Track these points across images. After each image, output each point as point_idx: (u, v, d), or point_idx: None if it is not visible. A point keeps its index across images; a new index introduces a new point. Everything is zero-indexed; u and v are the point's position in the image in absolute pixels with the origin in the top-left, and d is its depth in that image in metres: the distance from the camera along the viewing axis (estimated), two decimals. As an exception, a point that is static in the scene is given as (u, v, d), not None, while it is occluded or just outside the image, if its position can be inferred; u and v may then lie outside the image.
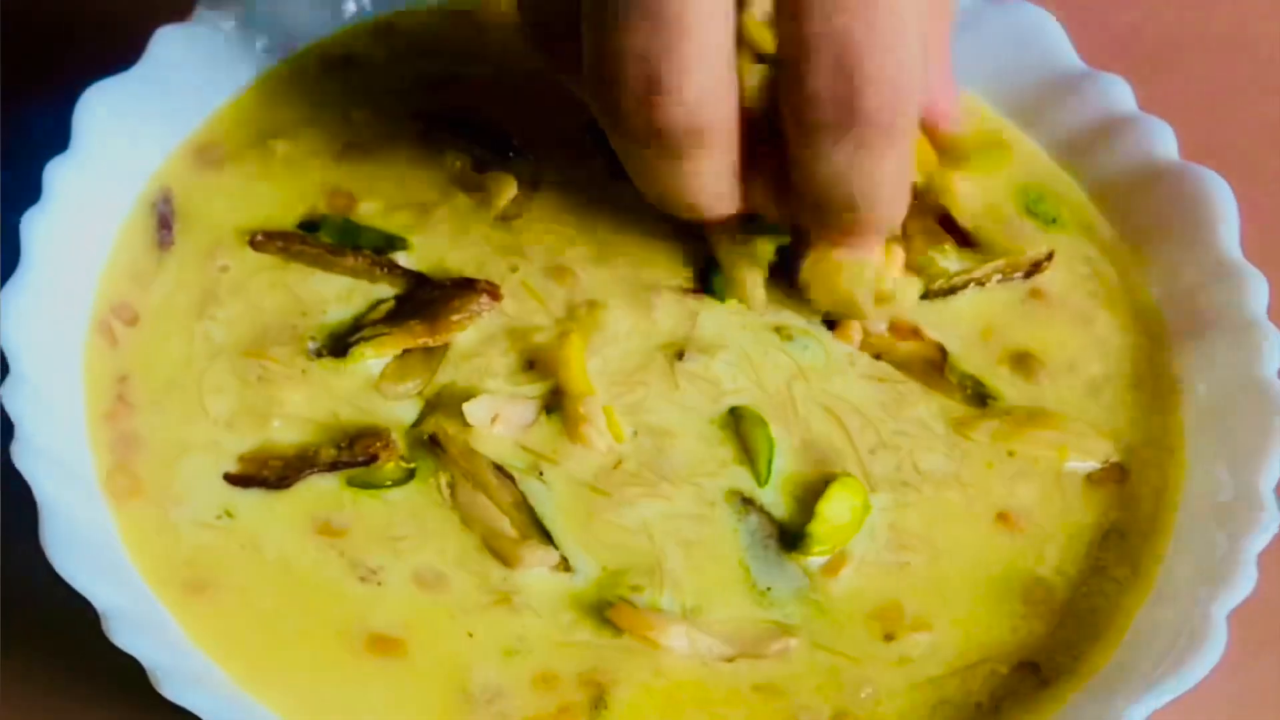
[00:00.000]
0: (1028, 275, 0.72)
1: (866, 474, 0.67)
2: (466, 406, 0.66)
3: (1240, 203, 0.71)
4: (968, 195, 0.72)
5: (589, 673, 0.63)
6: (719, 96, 0.61)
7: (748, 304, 0.70)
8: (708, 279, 0.71)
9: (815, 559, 0.65)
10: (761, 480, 0.67)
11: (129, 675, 0.59)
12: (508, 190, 0.73)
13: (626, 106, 0.61)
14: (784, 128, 0.62)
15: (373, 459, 0.66)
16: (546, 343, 0.69)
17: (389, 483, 0.66)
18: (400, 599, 0.64)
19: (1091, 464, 0.68)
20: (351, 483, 0.66)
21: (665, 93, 0.60)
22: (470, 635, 0.63)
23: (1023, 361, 0.70)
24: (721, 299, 0.71)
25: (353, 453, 0.66)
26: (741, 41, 0.62)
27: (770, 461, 0.67)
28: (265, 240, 0.71)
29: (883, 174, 0.62)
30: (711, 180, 0.64)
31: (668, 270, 0.72)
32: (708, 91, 0.60)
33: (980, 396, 0.69)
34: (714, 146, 0.62)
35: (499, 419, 0.67)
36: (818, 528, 0.65)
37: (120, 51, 0.71)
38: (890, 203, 0.64)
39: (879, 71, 0.59)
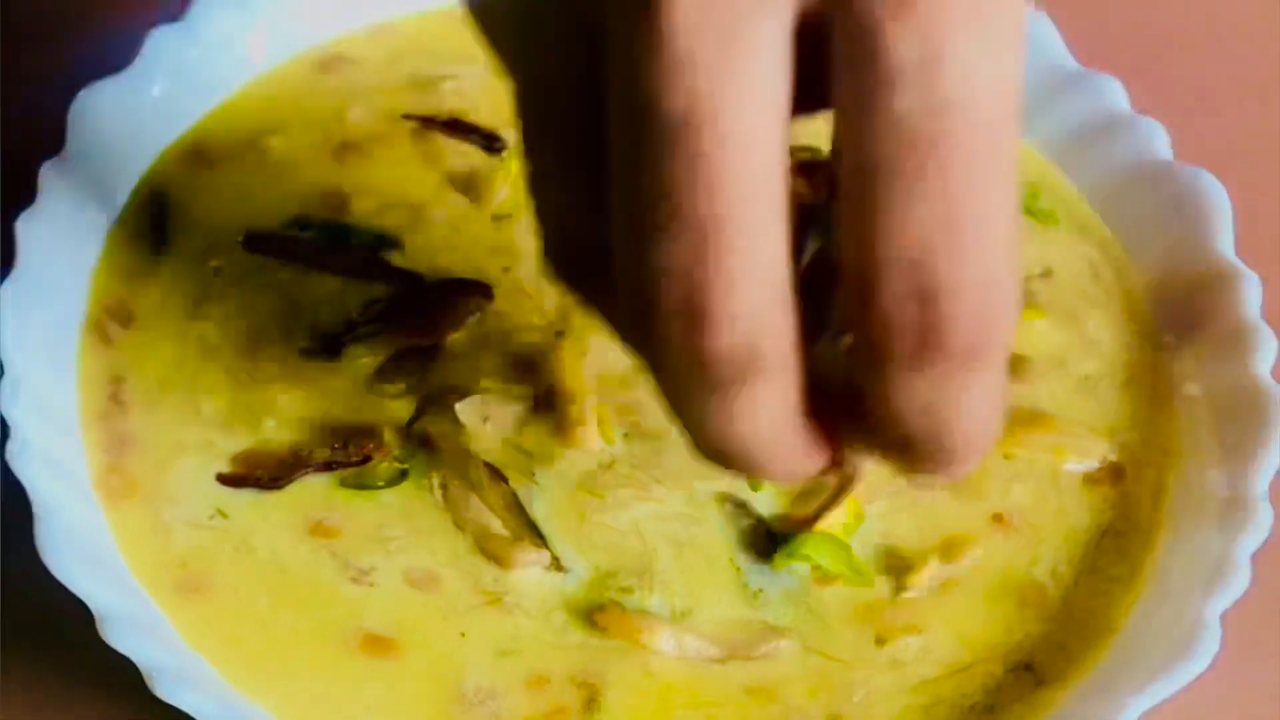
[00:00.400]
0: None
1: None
2: (458, 406, 0.66)
3: (1234, 203, 0.71)
4: None
5: (580, 674, 0.63)
6: (773, 317, 0.49)
7: None
8: None
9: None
10: (754, 485, 0.66)
11: (126, 675, 0.59)
12: (501, 190, 0.73)
13: (666, 334, 0.49)
14: (853, 356, 0.51)
15: (366, 459, 0.66)
16: (540, 342, 0.69)
17: (381, 483, 0.66)
18: (392, 599, 0.64)
19: (1089, 464, 0.68)
20: (344, 483, 0.66)
21: (710, 313, 0.49)
22: (463, 635, 0.63)
23: (1013, 364, 0.70)
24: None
25: (346, 453, 0.66)
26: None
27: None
28: (258, 241, 0.71)
29: (972, 406, 0.50)
30: (771, 422, 0.52)
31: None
32: (760, 312, 0.49)
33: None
34: (770, 377, 0.50)
35: (490, 419, 0.67)
36: (809, 545, 0.65)
37: (115, 52, 0.71)
38: (981, 436, 0.52)
39: (966, 291, 0.48)
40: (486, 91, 0.76)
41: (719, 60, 0.47)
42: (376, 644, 0.63)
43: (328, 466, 0.66)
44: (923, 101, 0.47)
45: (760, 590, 0.65)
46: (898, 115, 0.47)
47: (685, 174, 0.47)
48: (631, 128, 0.48)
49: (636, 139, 0.48)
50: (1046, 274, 0.72)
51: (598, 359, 0.69)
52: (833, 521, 0.65)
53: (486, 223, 0.72)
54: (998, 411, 0.52)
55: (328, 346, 0.68)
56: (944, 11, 0.46)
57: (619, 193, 0.49)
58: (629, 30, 0.47)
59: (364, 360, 0.68)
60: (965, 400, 0.50)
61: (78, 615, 0.59)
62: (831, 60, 0.48)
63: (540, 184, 0.54)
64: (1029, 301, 0.72)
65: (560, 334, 0.69)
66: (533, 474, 0.66)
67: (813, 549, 0.65)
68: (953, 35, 0.46)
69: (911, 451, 0.52)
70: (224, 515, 0.65)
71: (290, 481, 0.65)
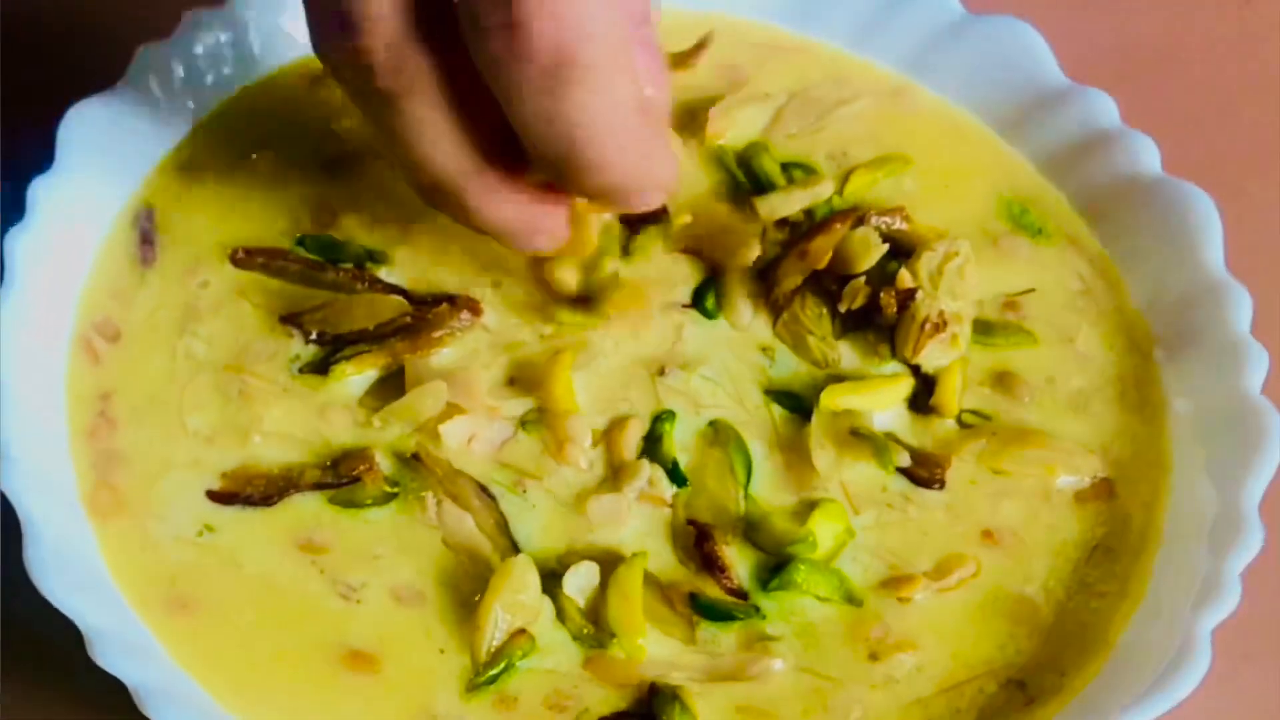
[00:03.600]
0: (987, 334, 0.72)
1: (848, 495, 0.67)
2: (443, 428, 0.66)
3: (1224, 217, 0.71)
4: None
5: (553, 696, 0.62)
6: (407, 33, 0.57)
7: (735, 323, 0.71)
8: (701, 295, 0.71)
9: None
10: (741, 495, 0.66)
11: (118, 692, 0.59)
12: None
13: (325, 52, 0.59)
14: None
15: (356, 480, 0.66)
16: (529, 358, 0.69)
17: (370, 501, 0.65)
18: (378, 615, 0.64)
19: (1080, 480, 0.68)
20: (333, 501, 0.65)
21: (353, 33, 0.58)
22: (442, 652, 0.63)
23: (1003, 380, 0.70)
24: (712, 317, 0.71)
25: (337, 474, 0.66)
26: None
27: (748, 478, 0.67)
28: (246, 257, 0.70)
29: (591, 117, 0.57)
30: (429, 132, 0.60)
31: (655, 284, 0.71)
32: (391, 26, 0.57)
33: (966, 418, 0.69)
34: (414, 91, 0.58)
35: (475, 438, 0.67)
36: (801, 575, 0.65)
37: (105, 69, 0.71)
38: (616, 155, 0.58)
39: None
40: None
41: None
42: (358, 659, 0.63)
43: (318, 487, 0.65)
44: None
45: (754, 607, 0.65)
46: None
47: None
48: None
49: None
50: (1031, 291, 0.72)
51: (589, 373, 0.69)
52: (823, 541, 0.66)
53: (476, 237, 0.72)
54: (636, 139, 0.58)
55: (316, 363, 0.68)
56: None
57: None
58: None
59: (353, 377, 0.68)
60: (579, 107, 0.56)
61: (70, 633, 0.59)
62: None
63: None
64: (1015, 322, 0.72)
65: (556, 352, 0.68)
66: (523, 490, 0.66)
67: (805, 578, 0.64)
68: None
69: (554, 167, 0.58)
70: (211, 529, 0.65)
71: (281, 500, 0.65)
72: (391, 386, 0.67)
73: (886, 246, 0.70)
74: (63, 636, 0.59)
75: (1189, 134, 0.78)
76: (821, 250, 0.70)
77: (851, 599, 0.65)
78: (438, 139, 0.60)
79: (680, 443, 0.68)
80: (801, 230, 0.72)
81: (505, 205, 0.62)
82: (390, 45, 0.57)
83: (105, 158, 0.70)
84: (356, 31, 0.57)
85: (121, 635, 0.61)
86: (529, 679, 0.63)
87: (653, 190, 0.61)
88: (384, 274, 0.70)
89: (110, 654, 0.59)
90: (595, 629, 0.63)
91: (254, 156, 0.73)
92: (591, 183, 0.59)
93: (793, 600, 0.65)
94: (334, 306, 0.69)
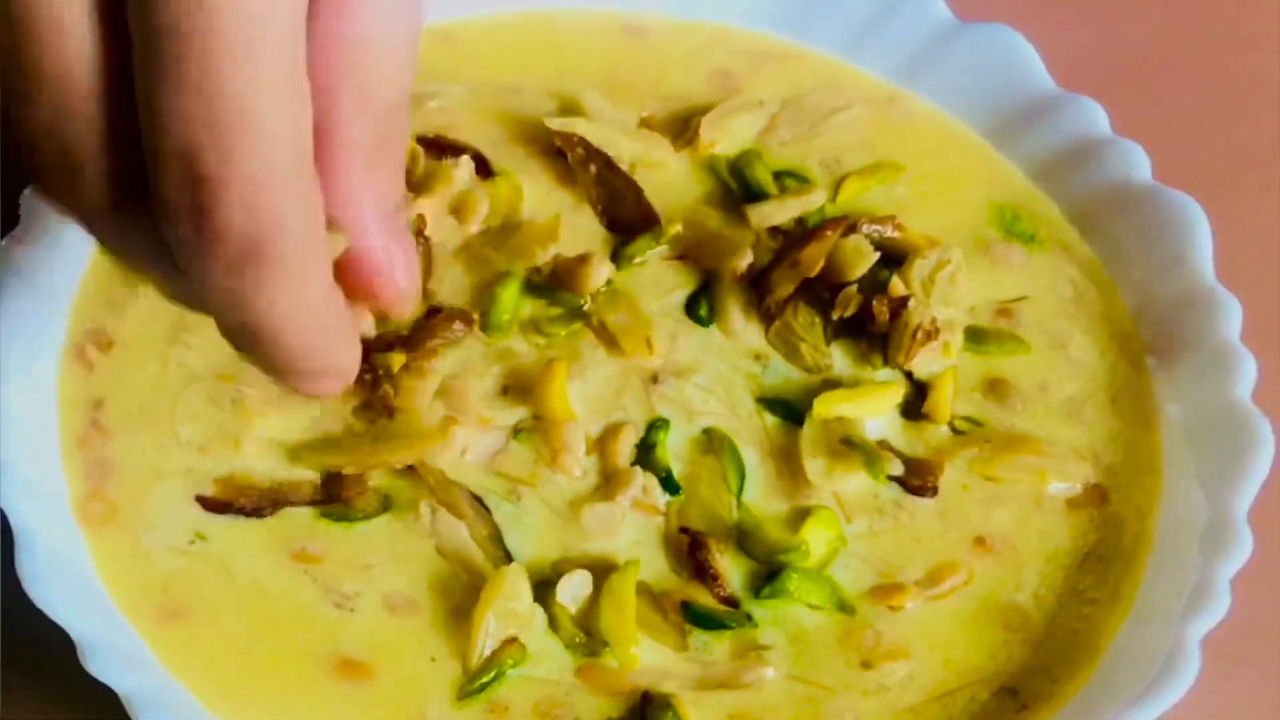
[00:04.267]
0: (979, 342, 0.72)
1: (841, 502, 0.67)
2: (436, 438, 0.66)
3: (1214, 226, 0.71)
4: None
5: (545, 703, 0.63)
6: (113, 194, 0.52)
7: (727, 331, 0.71)
8: (694, 303, 0.71)
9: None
10: (734, 503, 0.67)
11: (112, 701, 0.59)
12: (483, 212, 0.73)
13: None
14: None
15: (348, 501, 0.65)
16: (523, 367, 0.69)
17: (362, 516, 0.66)
18: (371, 624, 0.64)
19: (1072, 487, 0.68)
20: (326, 515, 0.65)
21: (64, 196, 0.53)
22: (434, 660, 0.63)
23: (995, 387, 0.70)
24: (705, 324, 0.71)
25: (329, 492, 0.66)
26: None
27: (741, 486, 0.67)
28: (239, 265, 0.70)
29: (277, 308, 0.51)
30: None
31: (647, 292, 0.72)
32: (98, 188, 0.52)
33: (958, 425, 0.69)
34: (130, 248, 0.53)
35: (468, 449, 0.67)
36: (793, 583, 0.65)
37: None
38: (296, 343, 0.53)
39: (233, 185, 0.48)
40: (470, 110, 0.76)
41: None
42: (351, 668, 0.63)
43: (311, 503, 0.65)
44: None
45: (746, 615, 0.65)
46: (162, 4, 0.47)
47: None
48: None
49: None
50: (1023, 298, 0.73)
51: (584, 381, 0.69)
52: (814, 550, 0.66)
53: (469, 245, 0.72)
54: (324, 335, 0.52)
55: (310, 372, 0.68)
56: None
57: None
58: None
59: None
60: (269, 300, 0.50)
61: (69, 639, 0.59)
62: None
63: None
64: (1007, 330, 0.72)
65: (551, 361, 0.68)
66: (518, 499, 0.66)
67: (797, 587, 0.65)
68: None
69: (245, 346, 0.53)
70: (203, 538, 0.65)
71: (273, 514, 0.65)
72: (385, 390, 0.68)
73: (878, 254, 0.70)
74: (61, 642, 0.59)
75: (1180, 142, 0.78)
76: (813, 258, 0.70)
77: (843, 607, 0.65)
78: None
79: (674, 451, 0.68)
80: (793, 238, 0.72)
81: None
82: (100, 209, 0.52)
83: (98, 166, 0.70)
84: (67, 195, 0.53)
85: (113, 643, 0.61)
86: (520, 687, 0.63)
87: (329, 378, 0.55)
88: (377, 282, 0.70)
89: (102, 662, 0.59)
90: (588, 637, 0.63)
91: (248, 164, 0.73)
92: (267, 365, 0.54)
93: (785, 608, 0.65)
94: None
